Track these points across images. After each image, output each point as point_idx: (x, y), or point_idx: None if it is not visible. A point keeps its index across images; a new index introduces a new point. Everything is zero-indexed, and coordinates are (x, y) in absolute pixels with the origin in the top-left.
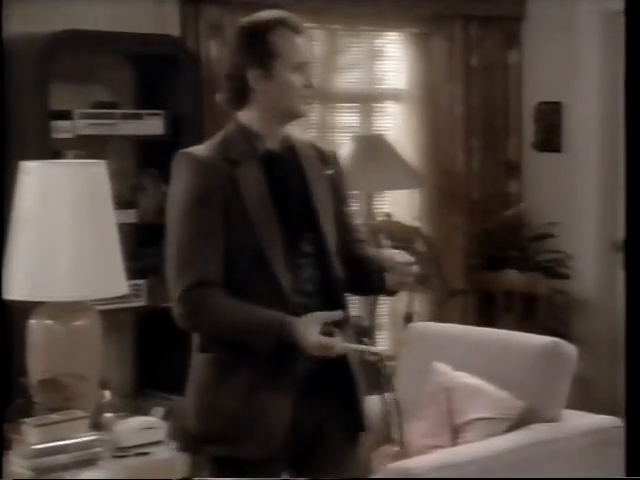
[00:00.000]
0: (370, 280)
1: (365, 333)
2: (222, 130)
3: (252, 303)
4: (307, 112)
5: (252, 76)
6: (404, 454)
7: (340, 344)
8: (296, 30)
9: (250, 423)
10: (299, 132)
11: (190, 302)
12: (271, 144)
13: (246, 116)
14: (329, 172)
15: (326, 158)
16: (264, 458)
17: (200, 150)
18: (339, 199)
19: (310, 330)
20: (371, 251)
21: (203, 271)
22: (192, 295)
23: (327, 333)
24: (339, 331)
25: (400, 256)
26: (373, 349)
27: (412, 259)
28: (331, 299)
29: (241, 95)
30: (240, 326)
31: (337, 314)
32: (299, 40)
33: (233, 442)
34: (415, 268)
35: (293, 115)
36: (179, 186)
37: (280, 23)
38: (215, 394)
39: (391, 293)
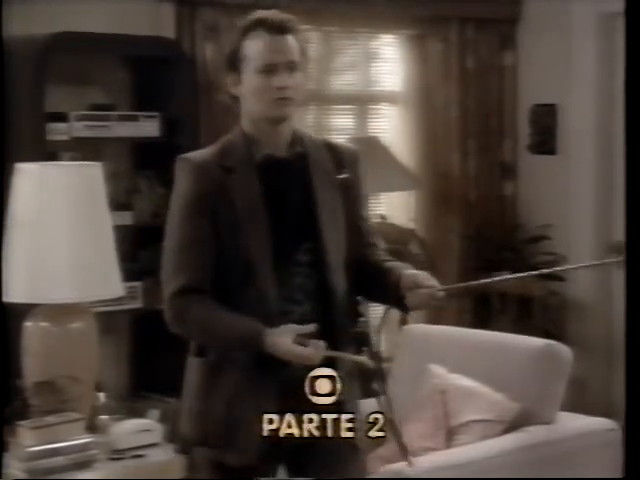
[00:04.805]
0: (385, 294)
1: (363, 340)
2: (227, 134)
3: (237, 310)
4: (285, 115)
5: (229, 81)
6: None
7: (316, 352)
8: (273, 30)
9: (233, 430)
10: (314, 133)
11: (174, 308)
12: (273, 149)
13: (243, 120)
14: (342, 176)
15: (342, 160)
16: (246, 465)
17: (197, 155)
18: (352, 202)
19: (283, 340)
20: (387, 262)
21: (188, 277)
22: (176, 301)
23: (300, 344)
24: (319, 341)
25: (424, 278)
26: (355, 358)
27: (436, 282)
28: (325, 308)
29: (235, 100)
30: (218, 335)
31: (308, 328)
32: (273, 40)
33: (218, 447)
34: (440, 294)
35: (269, 119)
36: (176, 191)
37: (259, 24)
38: (205, 398)
39: (407, 310)
